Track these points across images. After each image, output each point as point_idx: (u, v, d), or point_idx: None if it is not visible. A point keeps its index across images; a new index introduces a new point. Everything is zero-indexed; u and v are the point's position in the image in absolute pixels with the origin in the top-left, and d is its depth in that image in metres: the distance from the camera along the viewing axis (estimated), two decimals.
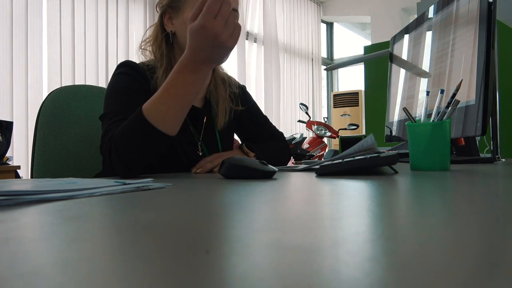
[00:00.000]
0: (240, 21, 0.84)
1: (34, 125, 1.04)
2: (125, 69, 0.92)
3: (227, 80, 1.08)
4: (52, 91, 1.08)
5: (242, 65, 4.50)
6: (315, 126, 4.32)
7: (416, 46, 1.32)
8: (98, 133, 1.09)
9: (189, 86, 0.74)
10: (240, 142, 1.09)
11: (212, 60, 0.74)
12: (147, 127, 0.73)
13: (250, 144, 1.01)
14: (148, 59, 0.98)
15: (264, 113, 1.19)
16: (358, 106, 5.19)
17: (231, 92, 1.06)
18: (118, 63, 0.95)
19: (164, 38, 0.94)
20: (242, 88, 1.15)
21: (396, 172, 0.68)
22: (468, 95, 0.94)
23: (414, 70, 1.32)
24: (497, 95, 1.19)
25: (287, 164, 1.14)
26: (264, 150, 1.03)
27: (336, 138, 4.46)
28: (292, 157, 3.73)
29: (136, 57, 1.00)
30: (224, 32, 0.71)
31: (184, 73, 0.73)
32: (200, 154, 0.98)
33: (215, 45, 0.71)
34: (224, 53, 0.75)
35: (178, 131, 0.78)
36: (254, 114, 1.15)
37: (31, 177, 1.02)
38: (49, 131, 1.03)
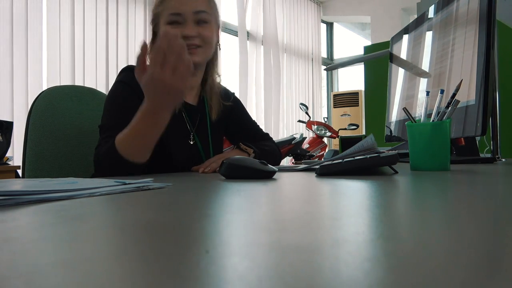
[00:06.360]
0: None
1: None
2: (125, 76, 0.96)
3: (217, 85, 1.13)
4: (42, 92, 1.09)
5: (242, 65, 4.49)
6: (315, 126, 4.32)
7: (416, 46, 1.32)
8: (89, 133, 1.12)
9: (152, 129, 0.82)
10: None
11: (167, 106, 0.80)
12: (119, 159, 0.82)
13: (246, 143, 1.06)
14: None
15: (256, 117, 1.24)
16: (358, 106, 5.18)
17: (219, 88, 1.13)
18: (118, 63, 0.97)
19: None
20: (231, 95, 1.21)
21: (396, 172, 0.68)
22: (468, 95, 0.94)
23: (414, 70, 1.32)
24: (497, 95, 1.19)
25: (279, 164, 1.17)
26: (260, 147, 1.07)
27: (336, 138, 4.45)
28: (292, 157, 3.73)
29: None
30: (173, 79, 0.75)
31: (146, 119, 0.80)
32: (192, 143, 1.04)
33: (168, 92, 0.77)
34: (178, 98, 0.81)
35: (148, 157, 0.85)
36: (242, 117, 1.21)
37: (23, 177, 1.01)
38: (39, 131, 1.03)
